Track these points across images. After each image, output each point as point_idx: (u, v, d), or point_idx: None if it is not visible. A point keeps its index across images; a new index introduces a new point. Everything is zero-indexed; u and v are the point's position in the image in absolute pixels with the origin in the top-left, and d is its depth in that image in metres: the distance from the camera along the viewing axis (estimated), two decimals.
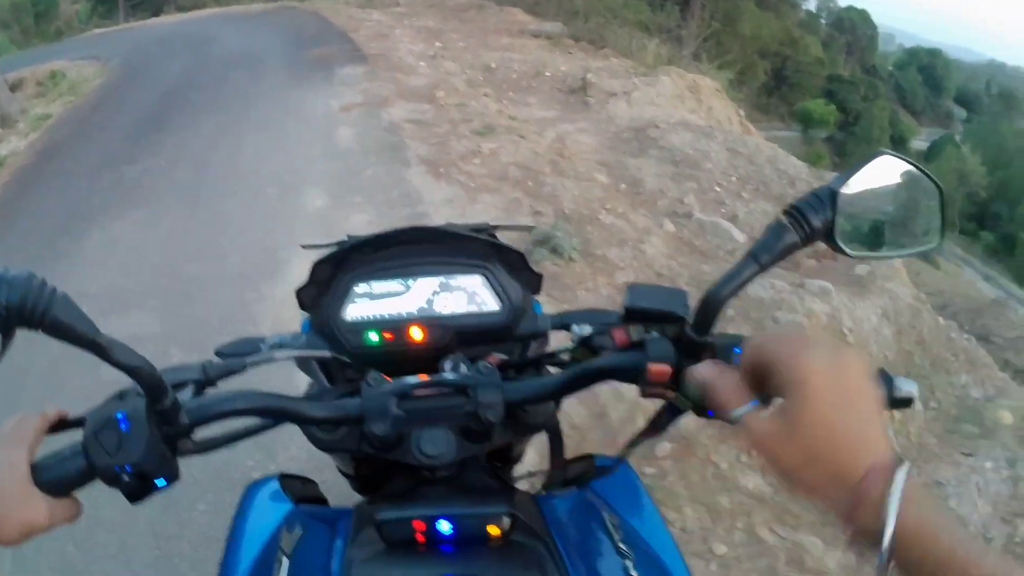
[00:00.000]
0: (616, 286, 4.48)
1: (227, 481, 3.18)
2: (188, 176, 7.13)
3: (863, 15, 65.27)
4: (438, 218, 5.27)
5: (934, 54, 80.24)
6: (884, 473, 0.56)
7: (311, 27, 13.77)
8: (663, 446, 3.20)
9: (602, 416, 3.38)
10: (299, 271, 4.46)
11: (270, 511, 1.09)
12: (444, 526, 0.90)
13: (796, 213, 0.77)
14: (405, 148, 6.85)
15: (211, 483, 3.21)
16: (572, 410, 3.45)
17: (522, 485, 1.31)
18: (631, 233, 5.20)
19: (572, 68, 9.99)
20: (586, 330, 1.04)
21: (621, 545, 0.94)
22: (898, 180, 0.82)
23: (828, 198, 0.77)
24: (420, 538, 0.91)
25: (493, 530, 0.91)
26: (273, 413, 0.92)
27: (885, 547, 0.54)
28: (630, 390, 2.98)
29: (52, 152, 8.91)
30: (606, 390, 3.49)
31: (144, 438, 0.79)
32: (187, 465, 2.83)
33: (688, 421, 3.26)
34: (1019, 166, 52.89)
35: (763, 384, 0.65)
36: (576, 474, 1.20)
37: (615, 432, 3.29)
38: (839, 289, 4.62)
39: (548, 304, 3.20)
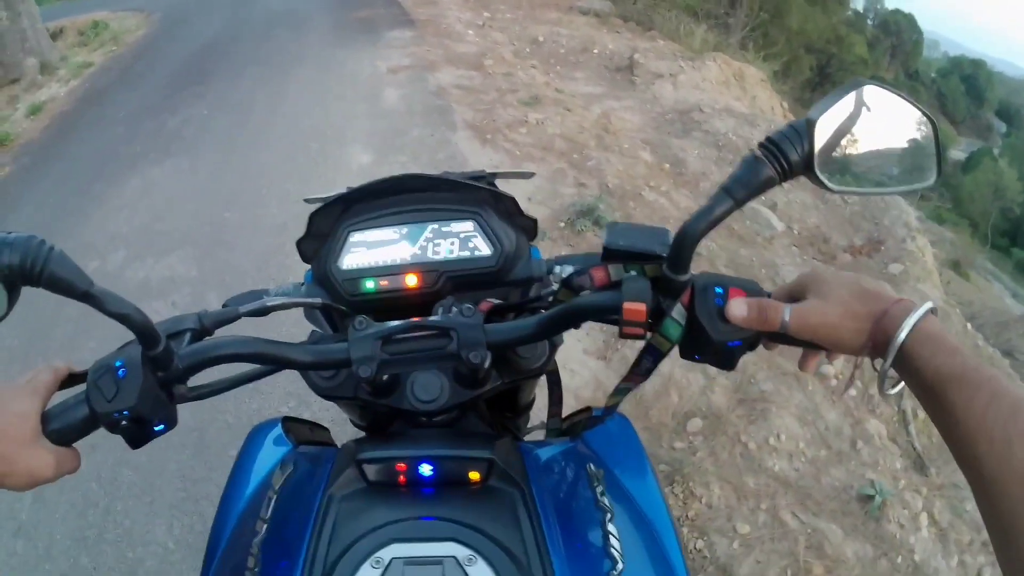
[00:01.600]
0: None
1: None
2: (229, 128, 7.22)
3: (909, 19, 64.27)
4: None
5: (978, 64, 78.91)
6: (907, 303, 0.72)
7: None
8: (694, 422, 3.24)
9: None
10: None
11: (270, 452, 1.14)
12: (425, 468, 0.92)
13: (771, 146, 0.76)
14: (452, 112, 6.87)
15: (243, 428, 3.20)
16: (602, 375, 3.52)
17: (532, 437, 1.33)
18: (672, 211, 5.22)
19: (619, 47, 9.95)
20: (567, 270, 1.07)
21: (603, 498, 0.94)
22: (885, 112, 0.80)
23: (805, 129, 0.75)
24: (401, 479, 0.94)
25: (473, 475, 0.93)
26: (264, 358, 0.93)
27: (891, 350, 0.70)
28: (663, 367, 3.06)
29: (92, 99, 9.11)
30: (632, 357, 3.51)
31: (139, 383, 0.81)
32: (220, 411, 3.04)
33: (718, 398, 3.34)
34: None
35: (793, 299, 0.81)
36: (571, 425, 1.22)
37: (647, 405, 3.35)
38: None
39: None
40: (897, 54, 62.32)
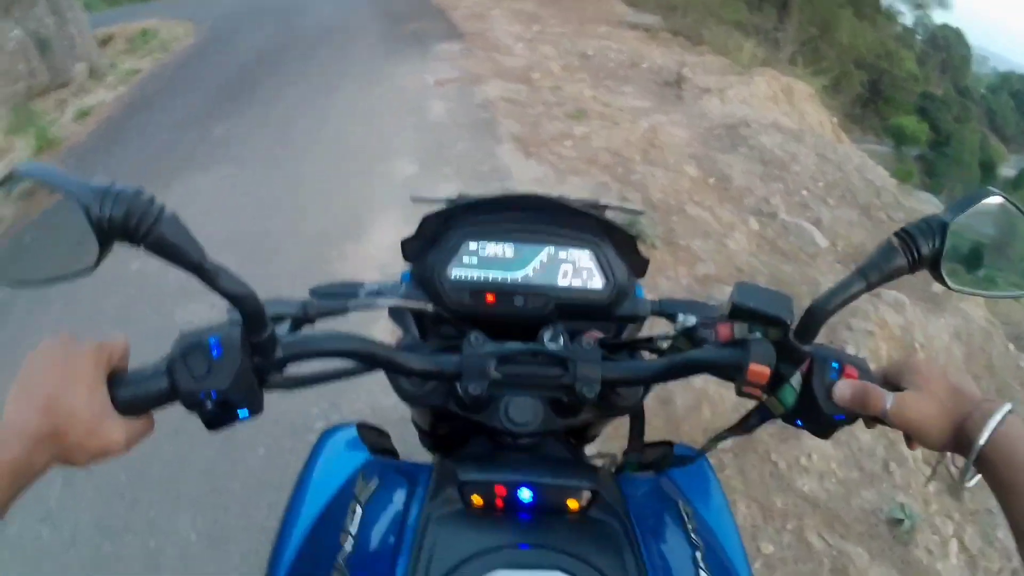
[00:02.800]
0: (696, 276, 4.50)
1: (287, 427, 3.22)
2: (274, 138, 7.25)
3: (958, 34, 63.05)
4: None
5: None
6: (992, 404, 0.76)
7: (408, 1, 13.76)
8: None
9: (668, 402, 3.42)
10: (383, 233, 4.65)
11: (345, 458, 1.11)
12: (525, 494, 0.90)
13: (907, 238, 0.79)
14: (497, 125, 6.93)
15: (271, 428, 3.23)
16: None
17: (596, 464, 1.31)
18: (715, 226, 5.23)
19: (668, 62, 9.95)
20: (691, 320, 1.04)
21: (694, 535, 0.94)
22: (1004, 219, 0.84)
23: (939, 228, 0.78)
24: (499, 503, 0.91)
25: (572, 503, 0.91)
26: (369, 358, 0.91)
27: (975, 449, 0.74)
28: (697, 380, 3.08)
29: (140, 105, 9.18)
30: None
31: (235, 366, 0.79)
32: None
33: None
34: None
35: (889, 385, 0.86)
36: (652, 459, 1.20)
37: (678, 419, 3.34)
38: (914, 303, 4.58)
39: None
40: (947, 69, 61.24)
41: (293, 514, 1.02)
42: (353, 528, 0.92)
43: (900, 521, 2.91)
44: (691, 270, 4.60)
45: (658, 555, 0.90)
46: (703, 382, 3.45)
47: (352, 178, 6.07)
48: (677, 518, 0.98)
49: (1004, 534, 2.89)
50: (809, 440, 3.22)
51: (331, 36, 11.41)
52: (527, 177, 5.81)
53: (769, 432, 3.26)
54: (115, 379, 0.78)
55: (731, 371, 0.88)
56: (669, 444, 1.19)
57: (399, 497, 0.98)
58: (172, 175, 6.53)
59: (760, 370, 0.84)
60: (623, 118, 7.41)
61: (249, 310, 0.79)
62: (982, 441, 0.73)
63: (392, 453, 1.25)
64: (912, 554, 2.83)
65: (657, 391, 3.48)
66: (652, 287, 4.26)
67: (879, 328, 4.26)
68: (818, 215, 5.81)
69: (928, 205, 7.52)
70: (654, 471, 1.14)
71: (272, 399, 2.64)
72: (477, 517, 0.91)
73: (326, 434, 1.18)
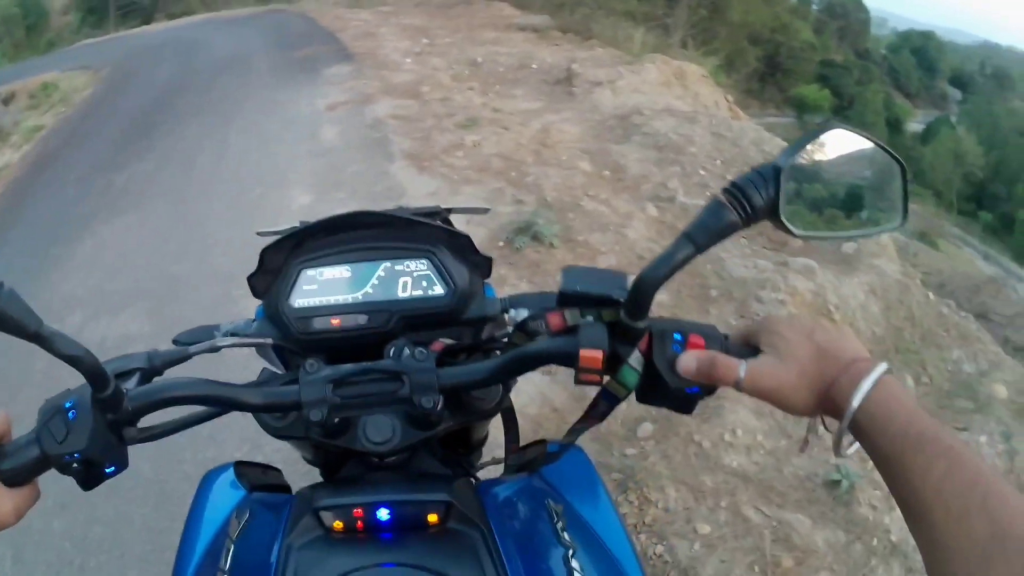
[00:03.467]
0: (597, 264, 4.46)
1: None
2: (174, 179, 7.26)
3: (855, 0, 65.20)
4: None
5: (927, 36, 79.95)
6: (862, 366, 0.71)
7: (298, 28, 14.01)
8: (644, 427, 3.20)
9: (582, 399, 3.33)
10: None
11: (224, 498, 1.10)
12: (382, 513, 0.91)
13: (735, 191, 0.75)
14: (389, 143, 6.97)
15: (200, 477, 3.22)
16: (551, 393, 3.46)
17: (486, 472, 1.31)
18: (613, 218, 5.21)
19: (558, 60, 10.04)
20: (522, 314, 1.05)
21: (564, 534, 0.93)
22: (853, 155, 0.80)
23: (771, 175, 0.74)
24: (359, 525, 0.92)
25: (431, 517, 0.92)
26: (214, 400, 0.91)
27: (846, 418, 0.69)
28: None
29: (44, 163, 9.22)
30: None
31: (89, 426, 0.80)
32: (179, 460, 2.90)
33: None
34: (1015, 146, 52.82)
35: (745, 350, 0.81)
36: (530, 459, 1.18)
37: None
38: (824, 267, 4.61)
39: (530, 291, 3.22)
40: (846, 35, 63.09)
41: (180, 558, 1.04)
42: (225, 565, 0.91)
43: (838, 482, 2.90)
44: (592, 264, 4.52)
45: (521, 560, 0.89)
46: None
47: (251, 211, 6.09)
48: (545, 518, 0.97)
49: None
50: (731, 415, 3.21)
51: (226, 71, 11.55)
52: (421, 191, 5.79)
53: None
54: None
55: (566, 359, 0.85)
56: (543, 442, 1.17)
57: (265, 530, 0.98)
58: (81, 230, 6.52)
59: (592, 355, 0.82)
60: (514, 122, 7.45)
61: (88, 369, 0.78)
62: (854, 406, 0.68)
63: (283, 488, 1.22)
64: (856, 513, 2.82)
65: (570, 390, 3.48)
66: (553, 287, 4.13)
67: (790, 296, 4.26)
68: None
69: None
70: (529, 472, 1.12)
71: (207, 452, 2.87)
72: (338, 542, 0.92)
73: (207, 476, 1.18)
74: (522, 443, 1.24)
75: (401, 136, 7.07)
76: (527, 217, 4.91)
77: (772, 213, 0.74)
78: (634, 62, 9.83)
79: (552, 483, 1.06)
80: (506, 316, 1.10)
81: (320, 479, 1.34)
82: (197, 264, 5.31)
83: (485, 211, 1.52)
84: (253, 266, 1.09)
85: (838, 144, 0.78)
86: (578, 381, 0.85)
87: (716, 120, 7.47)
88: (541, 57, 10.25)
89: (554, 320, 0.89)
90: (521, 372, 0.93)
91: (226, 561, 0.92)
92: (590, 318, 0.87)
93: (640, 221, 5.25)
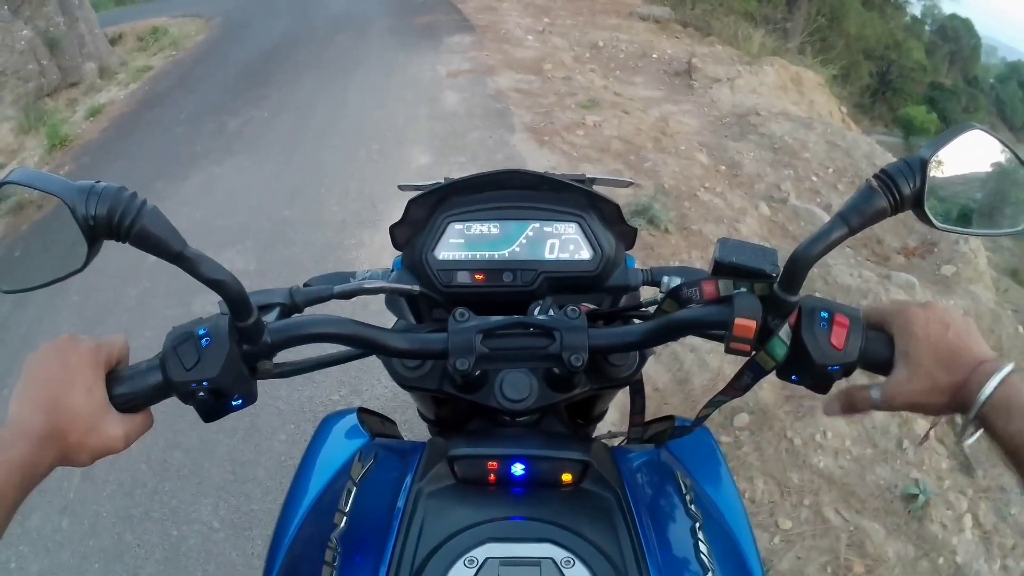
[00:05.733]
0: (709, 260, 4.43)
1: (309, 414, 3.32)
2: (291, 128, 7.35)
3: (967, 24, 62.47)
4: None
5: None
6: (989, 367, 0.75)
7: None
8: (740, 417, 3.28)
9: (684, 382, 3.49)
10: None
11: (345, 442, 1.12)
12: (517, 468, 0.90)
13: (886, 179, 0.78)
14: (510, 115, 6.97)
15: (293, 415, 3.33)
16: (655, 374, 3.54)
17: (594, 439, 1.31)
18: (727, 212, 5.30)
19: (678, 52, 9.99)
20: (675, 281, 1.05)
21: (692, 507, 0.93)
22: (987, 157, 0.82)
23: (918, 166, 0.77)
24: (491, 478, 0.91)
25: (566, 476, 0.91)
26: (357, 341, 0.91)
27: (972, 414, 0.74)
28: (714, 357, 3.10)
29: (152, 101, 9.26)
30: (691, 357, 3.58)
31: (224, 354, 0.79)
32: (273, 397, 3.19)
33: (767, 395, 3.35)
34: None
35: (877, 328, 0.86)
36: (655, 433, 1.20)
37: (696, 399, 3.37)
38: (924, 285, 4.61)
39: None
40: (956, 60, 60.87)
41: (292, 497, 1.04)
42: (346, 506, 0.93)
43: (915, 496, 2.92)
44: (704, 253, 4.66)
45: (653, 526, 0.89)
46: (719, 363, 3.53)
47: (367, 165, 6.16)
48: (675, 490, 0.97)
49: (1018, 510, 2.90)
50: (824, 417, 3.21)
51: (343, 29, 11.41)
52: (541, 164, 5.84)
53: (785, 410, 3.30)
54: (114, 378, 0.80)
55: (718, 328, 0.88)
56: (671, 418, 1.20)
57: (392, 475, 0.98)
58: (190, 168, 6.63)
59: (746, 324, 0.83)
60: (634, 107, 7.45)
61: (232, 296, 0.78)
62: (980, 402, 0.73)
63: (395, 439, 1.26)
64: (927, 529, 2.84)
65: (674, 372, 3.56)
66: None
67: None
68: (828, 201, 5.86)
69: None
70: (655, 445, 1.13)
71: (303, 392, 2.84)
72: (468, 491, 0.91)
73: (327, 420, 1.20)
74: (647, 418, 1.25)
75: (523, 109, 7.10)
76: (644, 201, 5.00)
77: (917, 203, 0.78)
78: (753, 63, 9.79)
79: (679, 457, 1.08)
80: (661, 282, 1.11)
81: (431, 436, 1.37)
82: (310, 210, 5.39)
83: (628, 184, 1.50)
84: (369, 218, 1.13)
85: (974, 144, 0.81)
86: (728, 350, 0.86)
87: (831, 129, 7.41)
88: (662, 48, 10.20)
89: (708, 289, 0.90)
90: (670, 339, 0.95)
91: (346, 502, 0.93)
92: (743, 289, 0.87)
93: (752, 218, 5.33)
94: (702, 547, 0.87)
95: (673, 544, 0.88)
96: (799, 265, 0.80)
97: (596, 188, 1.21)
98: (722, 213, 5.27)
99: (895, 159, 0.81)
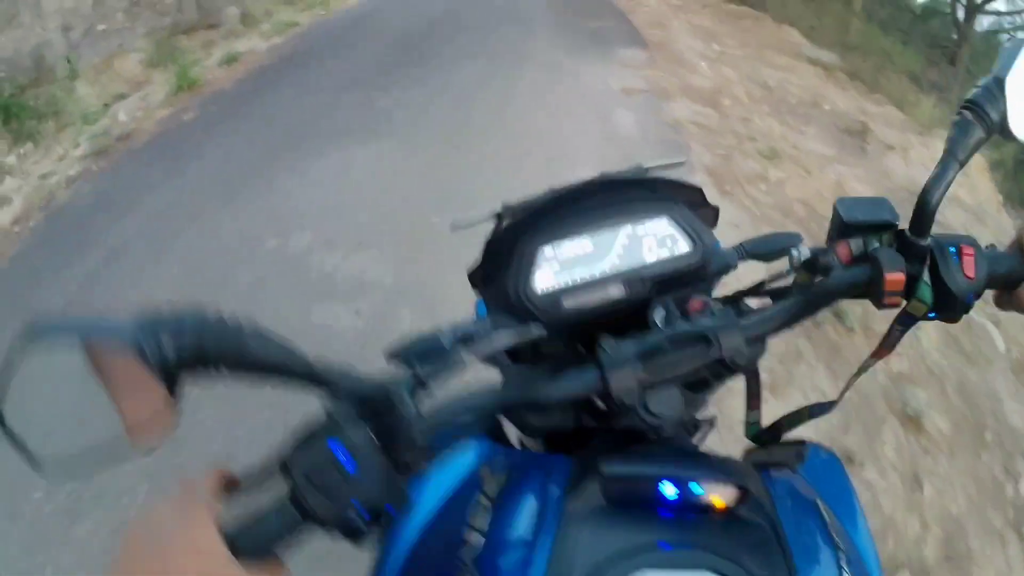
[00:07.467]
0: (889, 372, 4.22)
1: None
2: (447, 120, 6.92)
3: None
4: (727, 241, 5.06)
5: None
6: None
7: None
8: (902, 573, 3.18)
9: None
10: None
11: (462, 446, 1.02)
12: (668, 489, 0.83)
13: (974, 107, 0.82)
14: (689, 152, 6.62)
15: None
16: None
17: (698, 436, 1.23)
18: None
19: (848, 107, 9.76)
20: (805, 252, 0.97)
21: (836, 536, 0.88)
22: None
23: (997, 87, 0.81)
24: (640, 500, 0.86)
25: (718, 501, 0.84)
26: (516, 406, 0.86)
27: None
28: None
29: (295, 59, 8.98)
30: None
31: (376, 469, 0.69)
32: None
33: (930, 550, 3.23)
34: None
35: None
36: (785, 455, 1.07)
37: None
38: None
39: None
40: None
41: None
42: (481, 524, 0.85)
43: None
44: (885, 362, 4.34)
45: (806, 558, 0.83)
46: (891, 509, 3.39)
47: (535, 178, 5.56)
48: (819, 519, 0.91)
49: None
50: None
51: (508, 19, 11.16)
52: (724, 218, 5.59)
53: (944, 569, 3.23)
54: (233, 527, 0.66)
55: (866, 288, 0.88)
56: (802, 443, 1.09)
57: (532, 492, 0.89)
58: (328, 143, 6.31)
59: (896, 277, 0.85)
60: (812, 164, 7.25)
61: (380, 404, 0.71)
62: None
63: (502, 439, 1.21)
64: None
65: None
66: (849, 375, 4.20)
67: None
68: (995, 314, 5.62)
69: None
70: (789, 468, 1.03)
71: None
72: (618, 514, 0.85)
73: None
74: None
75: (701, 147, 6.83)
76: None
77: (1003, 126, 0.82)
78: (924, 133, 9.54)
79: (814, 485, 1.01)
80: (791, 255, 1.00)
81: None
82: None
83: (681, 163, 1.44)
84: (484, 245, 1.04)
85: None
86: (881, 306, 0.87)
87: (1000, 226, 7.24)
88: (832, 99, 9.95)
89: (843, 252, 0.90)
90: (819, 309, 0.92)
91: (479, 518, 0.86)
92: (876, 244, 0.89)
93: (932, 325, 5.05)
94: None
95: None
96: (927, 208, 0.86)
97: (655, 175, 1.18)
98: None
99: None
